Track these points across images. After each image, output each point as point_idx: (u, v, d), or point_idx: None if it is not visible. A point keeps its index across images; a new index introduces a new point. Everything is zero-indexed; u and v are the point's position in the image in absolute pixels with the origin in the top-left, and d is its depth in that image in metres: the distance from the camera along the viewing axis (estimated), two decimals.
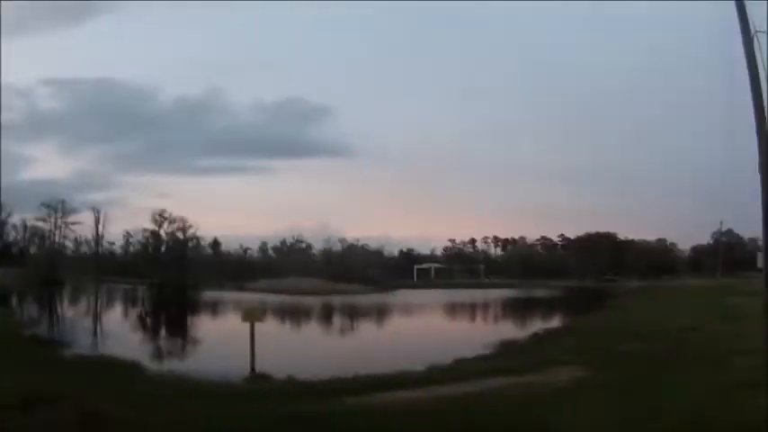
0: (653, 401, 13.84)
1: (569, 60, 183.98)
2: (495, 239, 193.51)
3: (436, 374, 22.10)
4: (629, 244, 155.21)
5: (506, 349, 32.72)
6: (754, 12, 13.55)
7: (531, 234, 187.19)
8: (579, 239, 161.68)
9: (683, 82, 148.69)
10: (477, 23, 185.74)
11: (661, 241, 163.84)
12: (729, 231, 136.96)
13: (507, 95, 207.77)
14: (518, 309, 78.94)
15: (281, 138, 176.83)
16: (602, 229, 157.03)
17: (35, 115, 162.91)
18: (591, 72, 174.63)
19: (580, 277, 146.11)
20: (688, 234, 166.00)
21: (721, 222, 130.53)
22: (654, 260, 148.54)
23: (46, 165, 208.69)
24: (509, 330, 46.27)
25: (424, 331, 51.38)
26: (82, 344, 36.97)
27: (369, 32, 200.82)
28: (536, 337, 38.36)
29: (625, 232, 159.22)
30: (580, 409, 13.82)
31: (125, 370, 24.36)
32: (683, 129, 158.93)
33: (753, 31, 13.43)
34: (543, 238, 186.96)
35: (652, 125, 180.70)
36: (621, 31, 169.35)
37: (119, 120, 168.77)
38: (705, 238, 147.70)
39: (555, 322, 53.29)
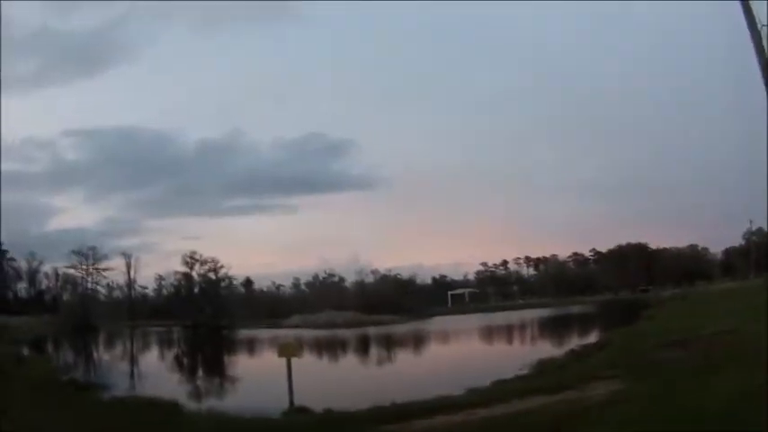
0: (690, 409, 13.77)
1: (590, 72, 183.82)
2: (527, 259, 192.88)
3: (475, 397, 22.06)
4: (661, 252, 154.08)
5: (544, 368, 32.62)
6: (757, 5, 13.60)
7: (563, 251, 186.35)
8: (611, 252, 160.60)
9: (698, 82, 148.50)
10: (496, 45, 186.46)
11: (692, 247, 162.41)
12: (760, 230, 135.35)
13: (529, 114, 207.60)
14: (554, 327, 78.54)
15: (304, 174, 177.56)
16: (633, 239, 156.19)
17: (59, 166, 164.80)
18: (610, 82, 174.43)
19: (614, 290, 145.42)
20: (719, 237, 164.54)
21: (751, 222, 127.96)
22: (686, 267, 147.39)
23: (73, 214, 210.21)
24: (546, 349, 46.03)
25: (461, 356, 51.29)
26: (120, 386, 37.01)
27: (386, 62, 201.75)
28: (573, 354, 38.23)
29: (656, 241, 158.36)
30: (619, 422, 13.78)
31: (164, 410, 24.39)
32: (703, 131, 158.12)
33: (759, 26, 13.47)
34: (575, 254, 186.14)
35: (672, 130, 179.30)
36: (641, 37, 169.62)
37: (142, 166, 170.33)
38: (737, 240, 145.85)
39: (591, 337, 52.99)
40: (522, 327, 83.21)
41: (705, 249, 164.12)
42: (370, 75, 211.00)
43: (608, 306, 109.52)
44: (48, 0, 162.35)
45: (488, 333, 75.95)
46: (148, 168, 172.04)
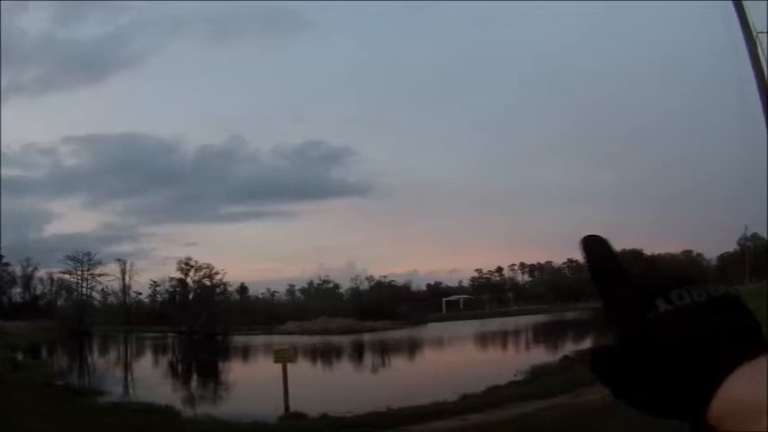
0: None
1: (586, 83, 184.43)
2: (522, 266, 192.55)
3: (469, 403, 22.24)
4: (656, 258, 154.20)
5: (538, 374, 32.85)
6: (753, 12, 13.79)
7: (558, 258, 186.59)
8: None
9: (694, 89, 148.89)
10: (494, 56, 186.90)
11: (687, 253, 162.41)
12: (755, 236, 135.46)
13: (526, 123, 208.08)
14: (548, 333, 78.63)
15: (303, 181, 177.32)
16: (628, 246, 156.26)
17: (59, 172, 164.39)
18: (606, 92, 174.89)
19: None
20: (713, 243, 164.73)
21: (746, 227, 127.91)
22: (682, 272, 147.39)
23: (71, 219, 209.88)
24: (540, 355, 46.24)
25: (456, 362, 51.32)
26: (115, 392, 37.17)
27: (386, 71, 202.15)
28: (567, 360, 38.48)
29: (651, 247, 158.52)
30: (612, 427, 13.94)
31: (159, 416, 24.55)
32: (696, 136, 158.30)
33: (755, 33, 13.68)
34: (570, 260, 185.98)
35: (665, 135, 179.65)
36: (625, 41, 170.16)
37: (142, 173, 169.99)
38: (731, 245, 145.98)
39: (585, 343, 53.20)
40: (517, 333, 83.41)
41: (700, 255, 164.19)
42: (370, 83, 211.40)
43: (601, 313, 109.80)
44: (54, 8, 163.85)
45: (483, 339, 76.07)
46: (148, 175, 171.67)
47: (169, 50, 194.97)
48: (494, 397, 23.50)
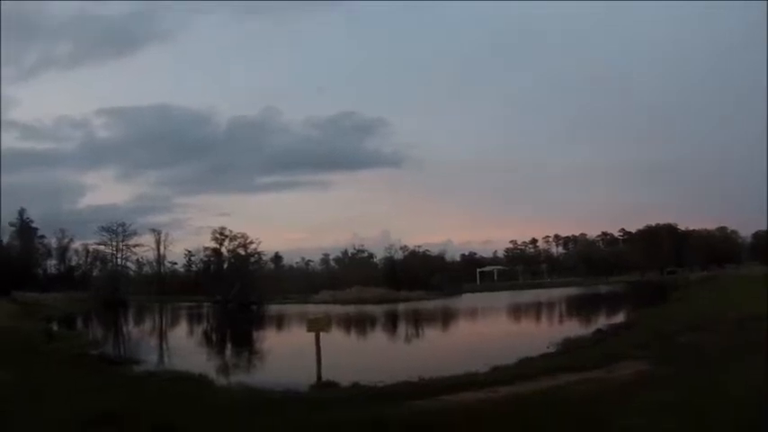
0: (714, 392, 13.82)
1: (621, 59, 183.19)
2: (557, 238, 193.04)
3: (501, 375, 22.21)
4: (690, 234, 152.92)
5: (570, 347, 32.75)
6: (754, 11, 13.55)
7: (592, 230, 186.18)
8: (640, 233, 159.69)
9: (730, 66, 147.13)
10: (526, 30, 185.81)
11: (721, 229, 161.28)
12: None
13: (561, 97, 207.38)
14: (581, 306, 78.39)
15: (337, 151, 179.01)
16: (662, 221, 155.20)
17: (92, 145, 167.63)
18: (641, 69, 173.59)
19: (642, 271, 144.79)
20: (748, 220, 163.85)
21: None
22: (715, 249, 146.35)
23: (105, 191, 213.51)
24: (573, 328, 45.99)
25: (488, 333, 51.28)
26: (149, 361, 37.38)
27: (418, 42, 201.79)
28: (600, 333, 38.34)
29: (685, 222, 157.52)
30: (645, 402, 13.88)
31: (193, 384, 24.61)
32: (734, 114, 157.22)
33: None
34: (604, 233, 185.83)
35: (702, 113, 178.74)
36: (660, 18, 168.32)
37: (176, 144, 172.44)
38: (765, 224, 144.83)
39: (618, 318, 52.96)
40: (550, 305, 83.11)
41: (734, 232, 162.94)
42: (403, 55, 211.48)
43: (636, 286, 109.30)
44: None
45: (516, 311, 75.91)
46: (181, 146, 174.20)
47: (199, 24, 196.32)
48: (525, 369, 23.45)
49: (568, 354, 29.08)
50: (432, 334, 54.91)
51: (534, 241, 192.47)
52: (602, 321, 50.35)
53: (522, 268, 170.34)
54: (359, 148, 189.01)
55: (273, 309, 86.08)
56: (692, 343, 24.67)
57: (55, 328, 60.47)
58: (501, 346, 36.47)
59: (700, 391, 14.04)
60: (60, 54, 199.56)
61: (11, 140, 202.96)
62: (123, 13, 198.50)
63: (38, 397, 17.89)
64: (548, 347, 32.48)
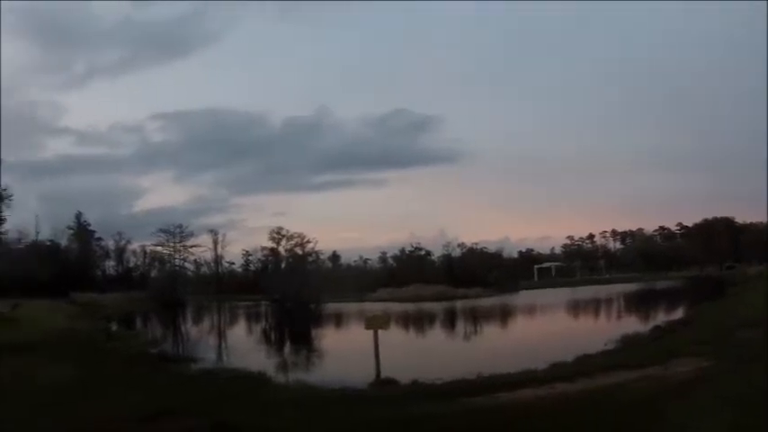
0: None
1: (678, 51, 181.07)
2: (614, 233, 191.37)
3: (560, 372, 22.29)
4: (747, 228, 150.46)
5: (629, 344, 32.67)
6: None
7: (649, 225, 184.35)
8: (697, 227, 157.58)
9: None
10: (575, 22, 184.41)
11: None
12: None
13: (617, 90, 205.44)
14: (639, 302, 77.82)
15: (390, 149, 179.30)
16: (720, 214, 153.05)
17: (147, 149, 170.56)
18: (698, 60, 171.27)
19: (700, 266, 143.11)
20: None
21: None
22: None
23: (161, 194, 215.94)
24: (631, 325, 45.71)
25: (546, 330, 51.22)
26: (207, 359, 37.84)
27: (471, 38, 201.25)
28: (658, 330, 38.13)
29: (743, 215, 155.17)
30: (701, 401, 13.92)
31: (251, 382, 24.94)
32: None
33: None
34: (661, 227, 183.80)
35: (760, 101, 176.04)
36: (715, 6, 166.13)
37: (230, 145, 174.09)
38: None
39: (676, 314, 52.56)
40: (608, 301, 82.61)
41: None
42: (454, 51, 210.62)
43: (694, 282, 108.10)
44: None
45: (574, 307, 75.53)
46: (236, 147, 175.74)
47: (247, 24, 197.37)
48: (583, 366, 23.47)
49: (627, 350, 29.06)
50: (490, 331, 54.88)
51: (591, 237, 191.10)
52: (660, 317, 50.07)
53: (579, 264, 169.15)
54: (412, 145, 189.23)
55: (331, 307, 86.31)
56: (752, 339, 24.47)
57: (114, 327, 61.59)
58: (559, 342, 36.47)
59: (759, 387, 14.03)
60: (109, 60, 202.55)
61: (66, 147, 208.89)
62: (170, 17, 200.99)
63: (99, 393, 18.39)
64: (606, 344, 32.40)
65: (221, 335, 64.33)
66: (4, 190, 60.06)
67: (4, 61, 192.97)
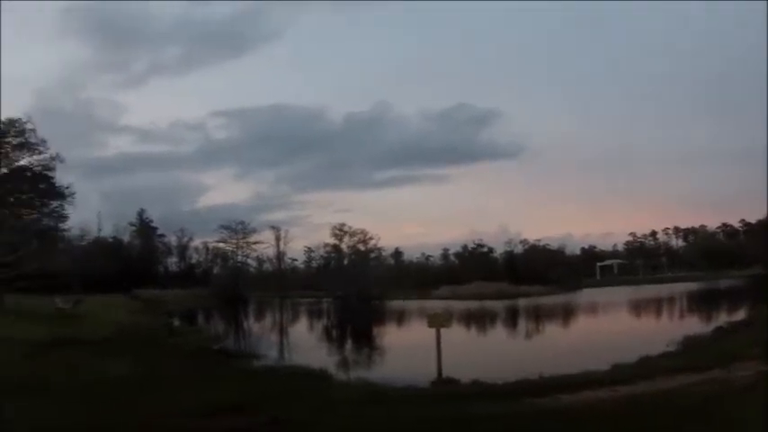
0: None
1: (729, 38, 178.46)
2: (676, 230, 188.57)
3: (621, 374, 22.35)
4: None
5: (691, 345, 32.56)
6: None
7: (712, 221, 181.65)
8: (760, 223, 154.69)
9: None
10: (637, 16, 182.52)
11: None
12: None
13: (678, 84, 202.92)
14: (701, 302, 76.87)
15: (452, 144, 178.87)
16: None
17: (209, 146, 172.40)
18: (757, 44, 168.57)
19: (764, 264, 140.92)
20: None
21: None
22: None
23: (223, 190, 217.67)
24: (693, 325, 45.43)
25: (608, 330, 51.02)
26: (269, 355, 38.43)
27: (532, 32, 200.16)
28: (720, 332, 37.87)
29: None
30: (765, 406, 13.93)
31: (312, 379, 25.26)
32: None
33: None
34: (724, 224, 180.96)
35: None
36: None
37: (291, 142, 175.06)
38: None
39: (739, 314, 52.02)
40: (670, 300, 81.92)
41: None
42: (515, 45, 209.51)
43: (756, 281, 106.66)
44: None
45: (636, 307, 74.93)
46: (297, 144, 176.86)
47: (305, 21, 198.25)
48: (645, 368, 23.48)
49: (688, 352, 29.01)
50: (551, 330, 54.87)
51: (654, 233, 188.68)
52: (722, 318, 49.60)
53: (641, 262, 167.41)
54: (474, 140, 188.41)
55: (393, 304, 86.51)
56: None
57: (176, 323, 62.75)
58: (620, 343, 36.39)
59: None
60: (168, 59, 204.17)
61: (127, 145, 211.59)
62: (228, 14, 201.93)
63: (161, 388, 18.94)
64: (667, 345, 32.34)
65: (283, 331, 64.89)
66: (67, 188, 61.09)
67: (66, 61, 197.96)
